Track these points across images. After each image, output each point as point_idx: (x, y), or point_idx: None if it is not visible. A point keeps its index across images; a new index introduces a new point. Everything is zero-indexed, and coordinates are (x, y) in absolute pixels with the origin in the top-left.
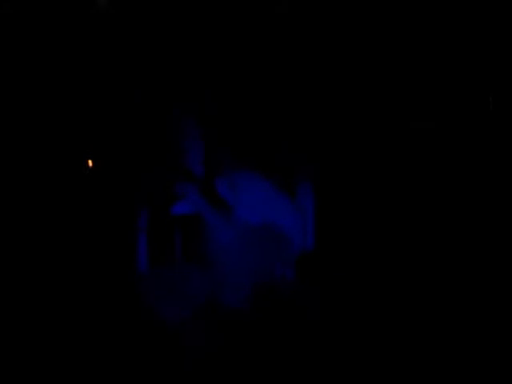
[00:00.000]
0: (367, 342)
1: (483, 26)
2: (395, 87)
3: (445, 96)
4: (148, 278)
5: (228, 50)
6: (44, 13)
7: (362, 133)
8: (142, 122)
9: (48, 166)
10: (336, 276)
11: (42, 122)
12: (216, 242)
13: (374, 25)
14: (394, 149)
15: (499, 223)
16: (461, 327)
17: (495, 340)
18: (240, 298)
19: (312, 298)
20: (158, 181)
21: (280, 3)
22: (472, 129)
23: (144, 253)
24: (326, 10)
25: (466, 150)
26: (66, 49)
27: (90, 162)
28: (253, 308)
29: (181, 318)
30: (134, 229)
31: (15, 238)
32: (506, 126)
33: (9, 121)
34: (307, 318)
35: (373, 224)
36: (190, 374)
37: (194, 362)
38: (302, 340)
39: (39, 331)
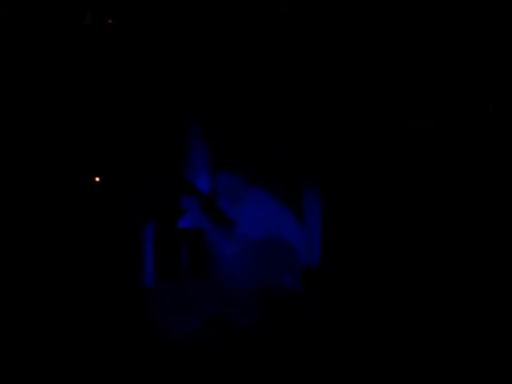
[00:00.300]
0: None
1: (483, 27)
2: (396, 87)
3: (445, 96)
4: (155, 291)
5: (228, 50)
6: (44, 13)
7: (365, 135)
8: (144, 128)
9: (52, 178)
10: (345, 289)
11: (41, 124)
12: (221, 255)
13: (375, 25)
14: (400, 151)
15: (499, 222)
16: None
17: (495, 340)
18: (246, 311)
19: (320, 310)
20: (164, 194)
21: (280, 3)
22: (472, 129)
23: (151, 266)
24: (326, 10)
25: (466, 150)
26: (66, 49)
27: (97, 179)
28: (259, 321)
29: (187, 331)
30: (141, 242)
31: (21, 250)
32: (506, 126)
33: (6, 120)
34: (315, 330)
35: (381, 233)
36: None
37: (200, 374)
38: (312, 355)
39: (46, 341)
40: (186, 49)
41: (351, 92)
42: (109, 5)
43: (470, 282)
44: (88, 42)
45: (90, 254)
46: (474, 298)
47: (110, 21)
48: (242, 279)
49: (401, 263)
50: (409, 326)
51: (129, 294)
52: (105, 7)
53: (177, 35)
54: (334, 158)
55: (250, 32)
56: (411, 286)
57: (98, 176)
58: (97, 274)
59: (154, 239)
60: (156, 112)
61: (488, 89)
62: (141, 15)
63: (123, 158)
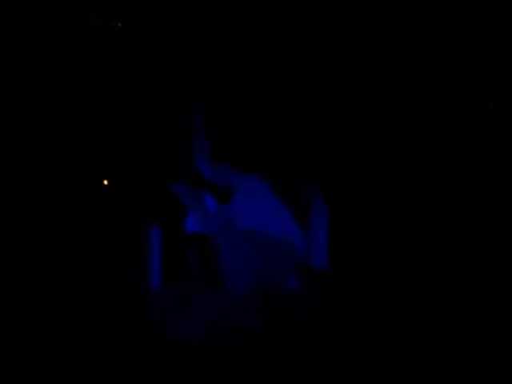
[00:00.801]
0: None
1: (483, 26)
2: (396, 87)
3: (445, 96)
4: (160, 296)
5: (228, 50)
6: (44, 12)
7: (366, 135)
8: (144, 128)
9: (51, 179)
10: (355, 294)
11: (41, 125)
12: (225, 257)
13: (374, 25)
14: (401, 150)
15: (499, 223)
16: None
17: (495, 340)
18: (251, 315)
19: (326, 315)
20: (167, 195)
21: (280, 3)
22: (472, 129)
23: (157, 269)
24: (326, 10)
25: (466, 150)
26: (66, 49)
27: (106, 181)
28: (265, 326)
29: (193, 336)
30: (146, 245)
31: (21, 254)
32: (506, 126)
33: (6, 121)
34: (320, 333)
35: (391, 236)
36: None
37: (200, 374)
38: (316, 357)
39: (48, 347)
40: (187, 49)
41: (352, 92)
42: (110, 5)
43: (479, 286)
44: (88, 43)
45: (94, 256)
46: (486, 305)
47: (114, 23)
48: (247, 281)
49: (414, 268)
50: (420, 332)
51: (134, 297)
52: (106, 8)
53: (176, 35)
54: (338, 158)
55: (249, 32)
56: (427, 293)
57: (100, 177)
58: (100, 276)
59: (161, 241)
60: (156, 112)
61: (488, 89)
62: (141, 16)
63: (124, 157)
